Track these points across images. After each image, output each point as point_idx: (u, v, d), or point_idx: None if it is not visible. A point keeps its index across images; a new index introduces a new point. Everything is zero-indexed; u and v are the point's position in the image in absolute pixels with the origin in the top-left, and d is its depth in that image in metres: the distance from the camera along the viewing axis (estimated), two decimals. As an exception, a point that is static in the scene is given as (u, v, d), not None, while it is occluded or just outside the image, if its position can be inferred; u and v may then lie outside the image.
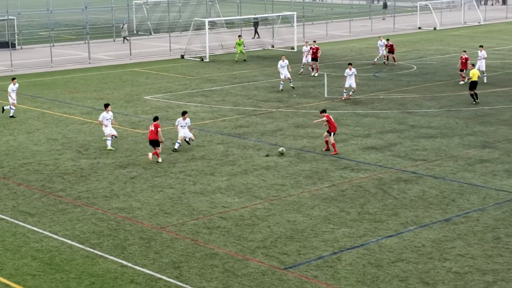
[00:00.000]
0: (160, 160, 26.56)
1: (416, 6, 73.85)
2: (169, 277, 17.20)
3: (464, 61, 39.76)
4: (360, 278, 17.04)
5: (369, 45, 57.42)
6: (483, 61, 40.34)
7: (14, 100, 34.11)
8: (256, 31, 63.04)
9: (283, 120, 32.97)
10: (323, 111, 27.70)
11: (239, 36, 53.09)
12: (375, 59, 48.55)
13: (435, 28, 68.94)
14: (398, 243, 19.02)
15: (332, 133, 27.28)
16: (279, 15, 61.58)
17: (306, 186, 23.74)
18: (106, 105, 28.94)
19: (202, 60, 51.57)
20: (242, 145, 28.72)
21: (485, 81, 40.26)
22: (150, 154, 26.46)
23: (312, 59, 44.33)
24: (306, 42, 46.41)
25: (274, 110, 34.84)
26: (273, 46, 58.23)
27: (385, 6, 79.82)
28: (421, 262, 17.83)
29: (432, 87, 39.70)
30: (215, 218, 21.05)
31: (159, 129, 26.37)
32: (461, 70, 40.12)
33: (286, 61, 39.00)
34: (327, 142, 27.69)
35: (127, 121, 33.13)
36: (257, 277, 17.18)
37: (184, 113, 28.11)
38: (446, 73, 44.44)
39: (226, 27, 68.86)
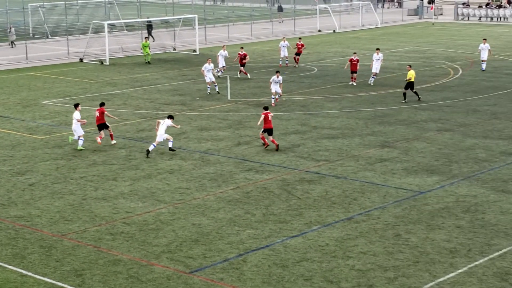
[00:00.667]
0: (113, 142, 28.80)
1: (316, 9, 75.02)
2: (71, 285, 16.75)
3: (356, 62, 40.75)
4: (266, 279, 17.08)
5: (270, 48, 57.88)
6: (379, 63, 41.32)
7: None
8: (150, 34, 61.98)
9: (186, 123, 32.76)
10: (265, 108, 28.51)
11: (146, 38, 52.57)
12: (280, 62, 49.03)
13: (334, 31, 70.23)
14: (303, 242, 19.18)
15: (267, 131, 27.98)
16: (180, 18, 61.25)
17: (211, 189, 23.65)
18: (76, 105, 29.07)
19: (102, 63, 50.68)
20: (145, 149, 28.33)
21: (370, 82, 41.19)
22: (99, 138, 28.37)
23: (241, 65, 43.70)
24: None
25: (177, 113, 34.57)
26: (174, 49, 57.87)
27: (280, 9, 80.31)
28: (325, 260, 18.05)
29: (332, 89, 40.38)
30: (118, 223, 20.66)
31: (105, 112, 28.67)
32: (353, 72, 41.01)
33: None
34: (263, 138, 28.03)
35: (25, 126, 32.14)
36: (162, 282, 16.96)
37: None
38: (346, 75, 45.24)
39: (126, 29, 67.95)
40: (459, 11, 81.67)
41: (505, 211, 21.26)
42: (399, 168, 25.63)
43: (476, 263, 17.79)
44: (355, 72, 41.08)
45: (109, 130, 29.02)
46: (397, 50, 55.91)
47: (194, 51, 55.72)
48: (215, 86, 38.98)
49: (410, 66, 37.45)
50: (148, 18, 63.16)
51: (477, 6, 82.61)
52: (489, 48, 45.30)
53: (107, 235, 19.81)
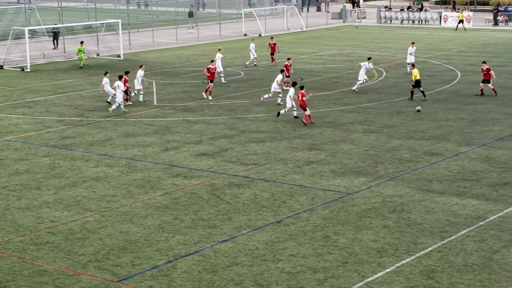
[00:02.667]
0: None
1: (241, 13, 75.15)
2: (-6, 299, 16.21)
3: (289, 67, 41.02)
4: (196, 285, 16.90)
5: (196, 52, 57.68)
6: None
7: None
8: (55, 42, 60.44)
9: (111, 129, 32.25)
10: (301, 87, 32.73)
11: (81, 42, 51.67)
12: (247, 62, 50.00)
13: (260, 35, 70.46)
14: (233, 247, 19.08)
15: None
16: (103, 23, 60.40)
17: (138, 196, 23.30)
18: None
19: (23, 70, 49.48)
20: (69, 156, 27.76)
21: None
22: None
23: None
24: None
25: (102, 119, 34.01)
26: (98, 55, 56.99)
27: (191, 15, 79.68)
28: (255, 264, 17.98)
29: (260, 93, 40.41)
30: (42, 233, 20.12)
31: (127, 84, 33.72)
32: (287, 77, 41.21)
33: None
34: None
35: None
36: (90, 292, 16.58)
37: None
38: (273, 78, 45.41)
39: (47, 35, 66.56)
40: (382, 14, 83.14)
41: (430, 210, 21.64)
42: (327, 170, 25.82)
43: (403, 262, 18.03)
44: (288, 77, 41.24)
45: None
46: (322, 54, 56.48)
47: (118, 56, 54.99)
48: (141, 94, 38.35)
49: (413, 66, 38.90)
50: (55, 24, 61.65)
51: (399, 9, 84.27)
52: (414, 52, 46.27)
53: (31, 245, 19.27)
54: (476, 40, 63.20)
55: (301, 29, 75.64)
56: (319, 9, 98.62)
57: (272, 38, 52.01)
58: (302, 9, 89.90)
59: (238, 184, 24.44)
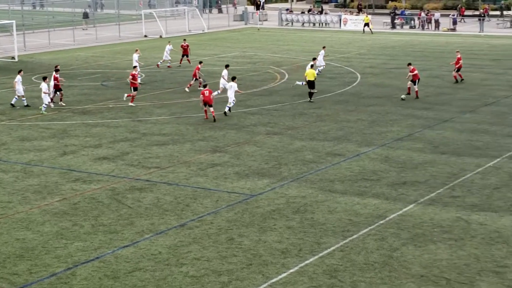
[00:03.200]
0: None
1: (141, 14, 74.20)
2: None
3: (197, 70, 40.75)
4: (97, 293, 16.39)
5: (94, 54, 56.54)
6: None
7: None
8: None
9: (6, 133, 31.08)
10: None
11: None
12: (159, 63, 49.87)
13: (161, 36, 69.79)
14: (135, 252, 18.63)
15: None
16: (-3, 24, 58.41)
17: (35, 202, 22.47)
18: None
19: None
20: (-39, 162, 26.54)
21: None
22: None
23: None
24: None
25: (-3, 123, 32.77)
26: (-8, 56, 55.05)
27: (85, 16, 78.10)
28: (158, 269, 17.61)
29: (161, 95, 39.96)
30: None
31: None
32: (194, 79, 40.87)
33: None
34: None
35: None
36: (-16, 304, 15.81)
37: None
38: (175, 80, 45.03)
39: None
40: (283, 17, 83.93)
41: (332, 210, 21.81)
42: (231, 172, 25.67)
43: (307, 262, 18.06)
44: (197, 79, 40.82)
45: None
46: (224, 56, 56.42)
47: (13, 58, 53.23)
48: (24, 100, 36.87)
49: (312, 66, 39.25)
50: None
51: (300, 12, 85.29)
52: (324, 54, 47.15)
53: None
54: (374, 43, 64.61)
55: (203, 30, 75.41)
56: (220, 11, 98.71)
57: (185, 40, 51.52)
58: (204, 10, 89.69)
59: (140, 188, 23.95)
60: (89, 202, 22.46)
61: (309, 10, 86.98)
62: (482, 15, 76.51)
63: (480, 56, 54.31)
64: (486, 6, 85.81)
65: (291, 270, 17.58)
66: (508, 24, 76.71)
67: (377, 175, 25.16)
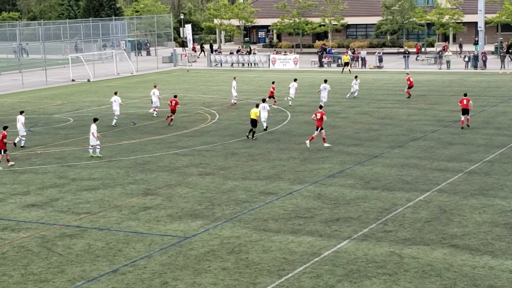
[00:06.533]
0: (11, 163, 32.83)
1: (68, 59, 73.44)
2: None
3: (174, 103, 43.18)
4: None
5: (21, 100, 55.52)
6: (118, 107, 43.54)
7: None
8: None
9: None
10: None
11: None
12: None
13: (89, 80, 69.16)
14: (66, 302, 18.09)
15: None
16: None
17: (-39, 253, 21.68)
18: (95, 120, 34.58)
19: None
20: None
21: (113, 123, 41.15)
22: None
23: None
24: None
25: None
26: None
27: None
28: (92, 318, 17.12)
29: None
30: None
31: (5, 140, 32.57)
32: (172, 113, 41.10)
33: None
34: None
35: None
36: None
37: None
38: (104, 124, 44.51)
39: None
40: (212, 57, 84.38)
41: (267, 249, 21.71)
42: (163, 215, 25.35)
43: (244, 303, 17.84)
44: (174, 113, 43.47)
45: (6, 154, 32.81)
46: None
47: None
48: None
49: (257, 106, 39.21)
50: None
51: (228, 53, 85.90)
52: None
53: None
54: (303, 81, 65.40)
55: (132, 73, 75.10)
56: (149, 53, 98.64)
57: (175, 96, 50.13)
58: (136, 53, 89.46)
59: (71, 234, 23.38)
60: (18, 251, 21.79)
61: (238, 51, 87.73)
62: (412, 53, 78.58)
63: (401, 93, 55.53)
64: (418, 44, 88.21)
65: (228, 312, 17.34)
66: (432, 60, 78.94)
67: (310, 213, 25.23)
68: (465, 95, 41.33)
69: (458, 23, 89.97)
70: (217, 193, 28.05)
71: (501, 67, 72.23)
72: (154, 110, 47.01)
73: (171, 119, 43.84)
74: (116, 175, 31.26)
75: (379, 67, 76.61)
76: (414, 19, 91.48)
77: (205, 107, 50.63)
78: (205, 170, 31.86)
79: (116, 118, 43.87)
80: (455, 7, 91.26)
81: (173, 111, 43.75)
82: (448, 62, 74.57)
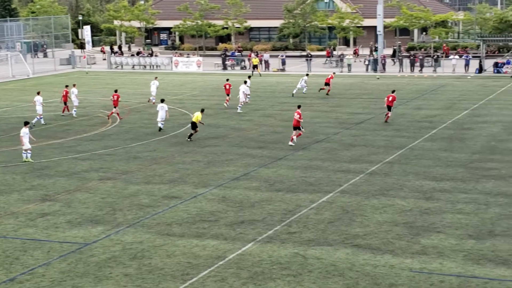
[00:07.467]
0: None
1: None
2: None
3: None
4: None
5: None
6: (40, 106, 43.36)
7: None
8: None
9: None
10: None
11: None
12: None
13: (-16, 83, 66.70)
14: (-42, 315, 17.17)
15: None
16: None
17: None
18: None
19: None
20: None
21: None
22: None
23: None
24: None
25: None
26: None
27: None
28: (-14, 331, 16.30)
29: (-15, 143, 37.87)
30: None
31: None
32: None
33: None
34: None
35: None
36: None
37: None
38: (1, 129, 42.92)
39: None
40: (112, 60, 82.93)
41: (171, 254, 21.31)
42: (62, 221, 24.52)
43: (148, 310, 17.42)
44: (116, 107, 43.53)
45: None
46: (52, 101, 54.66)
47: None
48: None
49: (202, 111, 39.12)
50: None
51: (129, 55, 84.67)
52: None
53: None
54: (207, 84, 65.20)
55: (28, 76, 72.91)
56: (45, 55, 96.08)
57: (67, 86, 48.68)
58: (32, 55, 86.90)
59: (-37, 243, 22.30)
60: None
61: (138, 53, 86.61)
62: (315, 56, 79.54)
63: (309, 95, 56.14)
64: (328, 48, 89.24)
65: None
66: (334, 63, 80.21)
67: (215, 216, 24.97)
68: (393, 92, 42.90)
69: (358, 27, 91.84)
70: (118, 198, 27.39)
71: (400, 70, 74.13)
72: (66, 110, 47.43)
73: (117, 113, 44.99)
74: (12, 181, 30.10)
75: (282, 70, 77.24)
76: (316, 22, 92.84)
77: (106, 110, 49.56)
78: (106, 175, 31.09)
79: (39, 118, 43.82)
80: (355, 11, 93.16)
81: (116, 106, 44.69)
82: (349, 65, 75.95)
